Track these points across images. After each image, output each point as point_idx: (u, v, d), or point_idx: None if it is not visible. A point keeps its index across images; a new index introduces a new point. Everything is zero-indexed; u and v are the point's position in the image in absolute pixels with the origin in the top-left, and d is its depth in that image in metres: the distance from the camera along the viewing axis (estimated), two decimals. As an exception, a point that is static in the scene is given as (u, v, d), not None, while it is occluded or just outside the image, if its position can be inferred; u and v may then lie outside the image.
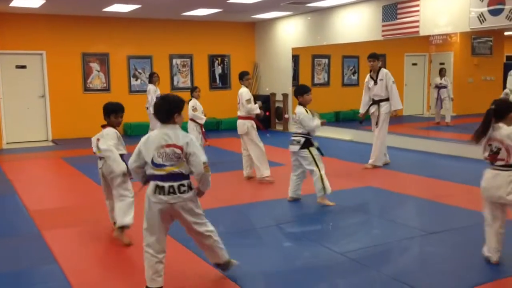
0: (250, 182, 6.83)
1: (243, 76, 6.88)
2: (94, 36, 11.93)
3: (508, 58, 12.56)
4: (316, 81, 13.29)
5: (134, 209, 4.37)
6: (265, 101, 11.06)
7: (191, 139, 3.24)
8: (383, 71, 7.51)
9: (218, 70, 13.53)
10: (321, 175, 5.38)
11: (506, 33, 11.23)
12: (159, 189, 3.21)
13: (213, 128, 12.67)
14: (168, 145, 3.19)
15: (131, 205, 4.37)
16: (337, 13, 11.06)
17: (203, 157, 3.23)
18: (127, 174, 4.24)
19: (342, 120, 12.78)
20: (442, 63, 11.21)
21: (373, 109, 7.54)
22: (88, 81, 11.98)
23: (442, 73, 10.95)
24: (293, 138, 5.53)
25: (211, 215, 5.42)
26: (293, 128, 6.63)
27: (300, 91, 5.53)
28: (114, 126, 4.39)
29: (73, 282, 3.60)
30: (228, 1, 9.96)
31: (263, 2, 10.11)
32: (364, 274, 3.71)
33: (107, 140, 4.28)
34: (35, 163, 8.85)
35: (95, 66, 12.03)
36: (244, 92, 6.73)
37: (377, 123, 7.49)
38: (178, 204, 3.24)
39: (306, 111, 5.43)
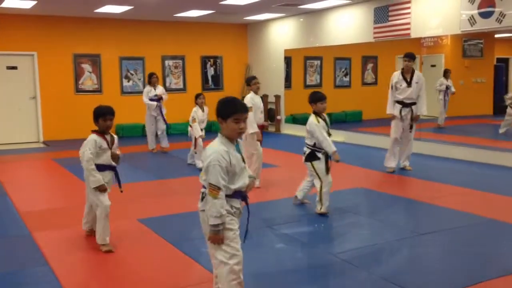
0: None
1: (250, 81, 6.62)
2: (86, 37, 11.89)
3: (498, 60, 12.66)
4: (308, 82, 13.32)
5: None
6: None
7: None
8: (418, 73, 7.17)
9: (211, 71, 13.53)
10: (320, 190, 5.24)
11: (496, 36, 11.31)
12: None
13: (205, 130, 12.63)
14: None
15: (100, 221, 4.21)
16: (329, 15, 11.10)
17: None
18: (97, 188, 4.15)
19: (334, 121, 12.79)
20: (433, 65, 11.28)
21: (404, 111, 7.14)
22: (80, 82, 11.93)
23: (447, 74, 10.97)
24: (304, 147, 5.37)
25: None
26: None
27: (313, 98, 5.21)
28: (103, 131, 4.22)
29: (64, 283, 3.59)
30: (220, 3, 9.96)
31: (255, 4, 10.13)
32: (356, 275, 3.72)
33: (85, 148, 4.15)
34: (26, 165, 8.79)
35: (86, 67, 11.98)
36: (246, 99, 6.45)
37: (411, 127, 7.21)
38: None
39: (318, 121, 5.17)
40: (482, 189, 6.22)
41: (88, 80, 12.02)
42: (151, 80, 9.54)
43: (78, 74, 11.90)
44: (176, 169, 8.07)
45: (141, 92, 12.43)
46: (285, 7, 10.77)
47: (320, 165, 5.24)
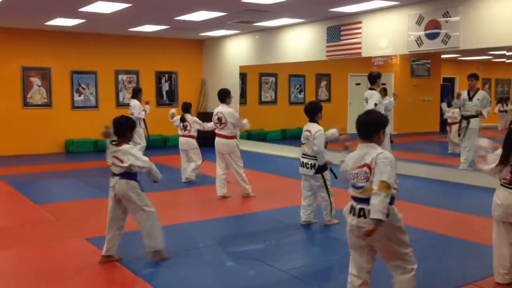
0: (193, 201, 6.76)
1: (228, 95, 6.88)
2: (36, 49, 11.55)
3: (445, 79, 13.22)
4: (263, 99, 13.43)
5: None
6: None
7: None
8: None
9: (165, 86, 13.41)
10: (330, 201, 5.36)
11: (443, 56, 11.82)
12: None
13: (160, 145, 12.50)
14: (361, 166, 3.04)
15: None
16: (283, 33, 11.27)
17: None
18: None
19: (288, 137, 12.95)
20: (383, 84, 11.62)
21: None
22: (28, 96, 11.53)
23: (382, 93, 11.19)
24: (305, 160, 5.45)
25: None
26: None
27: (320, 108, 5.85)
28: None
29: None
30: (175, 18, 9.93)
31: (210, 20, 10.15)
32: (306, 292, 3.72)
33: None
34: (-32, 182, 8.37)
35: (35, 80, 11.61)
36: (232, 111, 6.82)
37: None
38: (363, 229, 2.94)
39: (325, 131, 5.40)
40: (428, 204, 6.40)
41: (37, 94, 11.63)
42: (139, 94, 9.65)
43: (26, 88, 11.51)
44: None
45: (93, 107, 12.21)
46: (240, 24, 10.86)
47: (329, 175, 5.35)
